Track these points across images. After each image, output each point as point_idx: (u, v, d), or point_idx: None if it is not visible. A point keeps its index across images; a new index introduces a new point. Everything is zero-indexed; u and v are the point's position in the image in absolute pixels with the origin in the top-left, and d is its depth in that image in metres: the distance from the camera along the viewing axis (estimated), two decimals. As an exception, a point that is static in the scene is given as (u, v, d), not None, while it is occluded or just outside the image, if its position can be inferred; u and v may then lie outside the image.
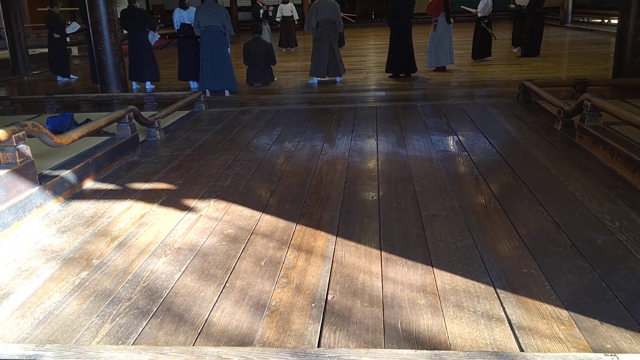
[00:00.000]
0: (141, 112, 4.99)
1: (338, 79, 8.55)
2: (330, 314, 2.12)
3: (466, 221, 2.96)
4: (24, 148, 3.29)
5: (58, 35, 10.04)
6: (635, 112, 4.50)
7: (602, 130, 4.06)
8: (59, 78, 10.23)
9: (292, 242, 2.80)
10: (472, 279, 2.34)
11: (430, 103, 6.56)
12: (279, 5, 14.08)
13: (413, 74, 8.71)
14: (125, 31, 8.72)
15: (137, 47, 8.38)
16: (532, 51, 10.50)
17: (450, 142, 4.69)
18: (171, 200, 3.49)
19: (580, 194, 3.29)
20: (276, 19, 14.14)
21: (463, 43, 11.71)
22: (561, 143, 4.45)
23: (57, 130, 4.75)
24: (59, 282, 2.45)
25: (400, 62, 8.58)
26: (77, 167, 3.76)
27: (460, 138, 4.77)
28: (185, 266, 2.57)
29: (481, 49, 10.25)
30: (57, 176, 3.54)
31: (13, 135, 3.19)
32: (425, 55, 9.55)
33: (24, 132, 3.29)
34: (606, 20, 16.79)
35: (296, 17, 14.18)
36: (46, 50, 10.73)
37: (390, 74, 8.73)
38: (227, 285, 2.38)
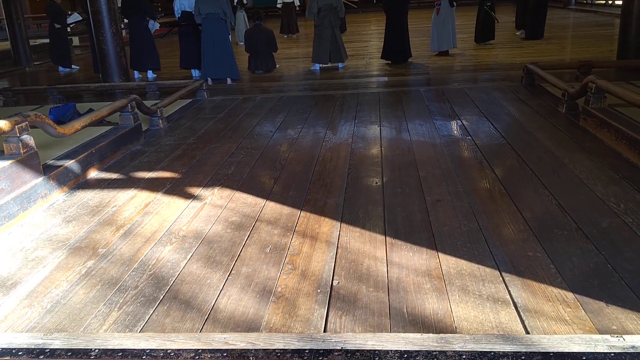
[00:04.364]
0: (143, 102, 4.99)
1: (340, 65, 8.51)
2: (335, 299, 2.12)
3: (471, 205, 2.95)
4: (28, 138, 3.29)
5: (59, 26, 10.02)
6: (641, 94, 4.47)
7: (606, 113, 4.04)
8: (61, 68, 10.22)
9: (296, 228, 2.80)
10: (477, 263, 2.34)
11: (433, 88, 6.53)
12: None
13: (409, 59, 8.66)
14: (125, 20, 8.69)
15: (138, 36, 8.35)
16: (535, 34, 10.40)
17: (454, 126, 4.67)
18: (175, 188, 3.49)
19: (585, 176, 3.28)
20: (277, 5, 14.10)
21: (466, 27, 11.60)
22: (566, 126, 4.43)
23: (60, 121, 4.75)
24: (65, 272, 2.47)
25: (396, 49, 8.52)
26: (80, 157, 3.77)
27: (464, 122, 4.75)
28: (190, 254, 2.58)
29: (484, 33, 10.16)
30: (61, 166, 3.54)
31: (16, 126, 3.19)
32: (428, 40, 9.49)
33: (27, 122, 3.29)
34: (610, 2, 16.60)
35: (297, 3, 14.11)
36: (47, 40, 10.70)
37: (387, 61, 8.68)
38: (232, 272, 2.39)
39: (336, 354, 1.77)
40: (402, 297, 2.11)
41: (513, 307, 2.01)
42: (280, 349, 1.81)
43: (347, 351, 1.78)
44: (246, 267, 2.42)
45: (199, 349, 1.83)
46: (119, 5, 8.34)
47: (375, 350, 1.77)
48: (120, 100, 4.57)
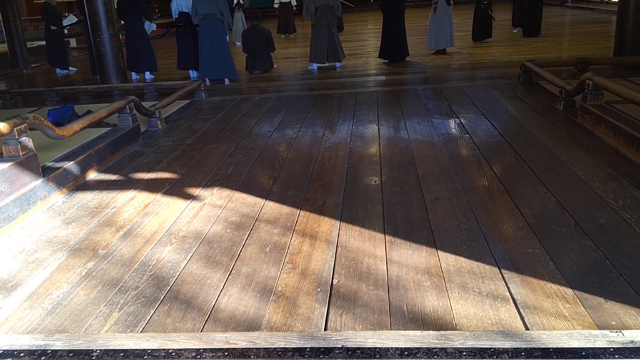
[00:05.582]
0: (142, 103, 4.99)
1: (338, 64, 8.52)
2: (336, 298, 2.13)
3: (469, 203, 2.96)
4: (27, 141, 3.29)
5: (55, 28, 10.00)
6: (637, 90, 4.48)
7: (604, 109, 4.05)
8: (58, 70, 10.20)
9: (296, 228, 2.81)
10: (477, 260, 2.35)
11: (431, 86, 6.54)
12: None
13: (407, 58, 8.67)
14: (122, 21, 8.68)
15: (135, 37, 8.33)
16: (532, 31, 10.42)
17: (452, 124, 4.68)
18: (175, 189, 3.50)
19: (583, 173, 3.29)
20: (274, 5, 14.10)
21: (463, 25, 11.62)
22: (563, 123, 4.44)
23: (58, 123, 4.75)
24: (66, 273, 2.47)
25: (393, 48, 8.52)
26: (79, 158, 3.77)
27: (462, 120, 4.76)
28: (190, 254, 2.58)
29: (481, 31, 10.17)
30: (60, 168, 3.55)
31: (15, 128, 3.19)
32: (425, 38, 9.50)
33: (25, 124, 3.29)
34: (607, -1, 16.63)
35: (294, 3, 14.11)
36: (44, 42, 10.69)
37: (385, 60, 8.68)
38: (233, 271, 2.39)
39: (337, 352, 1.77)
40: (402, 295, 2.12)
41: (512, 304, 2.02)
42: (282, 348, 1.81)
43: (347, 349, 1.78)
44: (246, 267, 2.43)
45: (200, 349, 1.84)
46: (115, 6, 8.34)
47: (375, 348, 1.78)
48: (118, 102, 4.57)
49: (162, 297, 2.22)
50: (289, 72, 8.54)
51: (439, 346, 1.77)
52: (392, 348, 1.78)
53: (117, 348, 1.88)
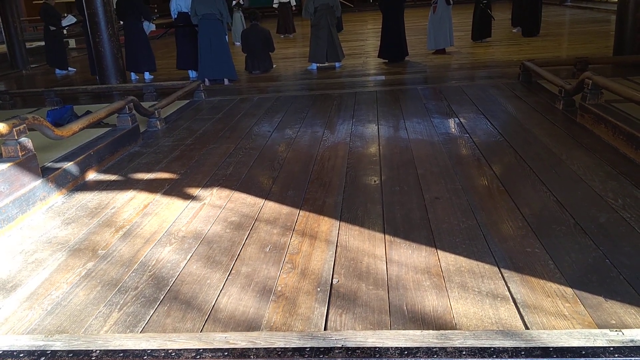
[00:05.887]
0: (141, 103, 4.98)
1: (337, 64, 8.52)
2: (336, 298, 2.13)
3: (469, 202, 2.96)
4: (26, 141, 3.29)
5: (54, 28, 9.99)
6: (637, 90, 4.48)
7: (603, 109, 4.05)
8: (58, 71, 10.20)
9: (295, 227, 2.81)
10: (476, 260, 2.35)
11: (430, 86, 6.54)
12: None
13: (407, 58, 8.68)
14: (121, 22, 8.68)
15: (134, 37, 8.33)
16: (532, 31, 10.43)
17: (452, 124, 4.68)
18: (174, 189, 3.49)
19: (582, 172, 3.29)
20: (274, 5, 14.10)
21: (462, 24, 11.63)
22: (563, 122, 4.44)
23: (57, 123, 4.75)
24: (65, 273, 2.47)
25: (392, 47, 8.52)
26: (79, 159, 3.77)
27: (462, 120, 4.76)
28: (190, 254, 2.58)
29: (481, 30, 10.18)
30: (59, 168, 3.54)
31: (14, 129, 3.19)
32: (424, 38, 9.50)
33: (24, 125, 3.29)
34: (606, -2, 16.63)
35: (294, 2, 14.11)
36: (43, 43, 10.69)
37: (384, 60, 8.68)
38: (232, 271, 2.39)
39: (337, 351, 1.77)
40: (402, 295, 2.12)
41: (512, 303, 2.01)
42: (281, 348, 1.81)
43: (347, 349, 1.78)
44: (246, 267, 2.42)
45: (200, 349, 1.84)
46: (114, 6, 8.33)
47: (375, 348, 1.78)
48: (117, 102, 4.57)
49: (162, 297, 2.22)
50: (288, 72, 8.54)
51: (438, 345, 1.77)
52: (391, 347, 1.77)
53: (117, 348, 1.87)
